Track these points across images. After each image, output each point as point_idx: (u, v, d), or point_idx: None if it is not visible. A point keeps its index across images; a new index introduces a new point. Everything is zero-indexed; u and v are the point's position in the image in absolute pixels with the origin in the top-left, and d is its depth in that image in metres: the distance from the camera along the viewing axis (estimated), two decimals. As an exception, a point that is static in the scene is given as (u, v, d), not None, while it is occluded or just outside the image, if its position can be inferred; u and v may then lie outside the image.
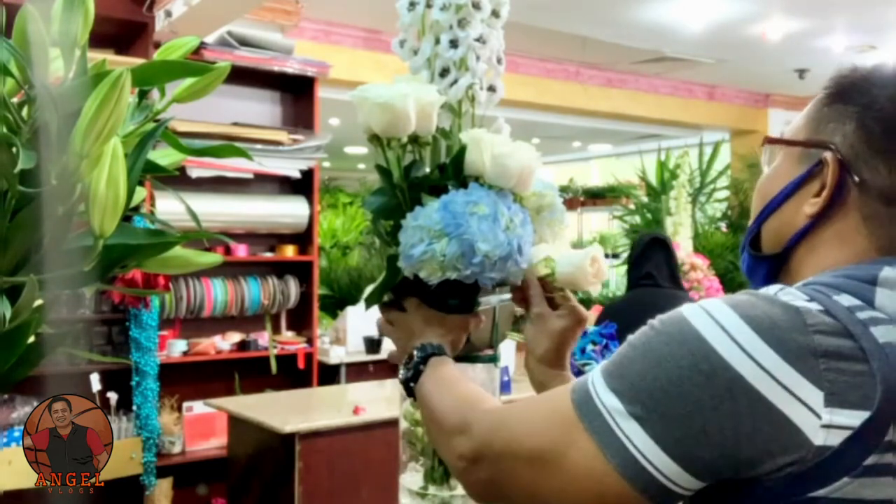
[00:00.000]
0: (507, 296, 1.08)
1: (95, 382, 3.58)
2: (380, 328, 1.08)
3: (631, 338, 0.75)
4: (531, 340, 1.04)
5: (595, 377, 0.75)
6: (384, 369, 5.00)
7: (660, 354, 0.71)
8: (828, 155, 0.80)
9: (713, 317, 0.70)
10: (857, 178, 0.78)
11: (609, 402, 0.72)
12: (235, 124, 4.12)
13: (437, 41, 1.06)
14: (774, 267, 0.86)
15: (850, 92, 0.82)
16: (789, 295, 0.72)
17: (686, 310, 0.73)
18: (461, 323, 1.01)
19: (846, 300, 0.71)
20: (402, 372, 0.98)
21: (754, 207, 0.89)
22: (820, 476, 0.66)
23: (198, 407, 3.93)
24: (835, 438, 0.66)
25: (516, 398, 3.38)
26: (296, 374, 4.38)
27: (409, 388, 0.96)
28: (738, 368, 0.67)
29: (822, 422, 0.66)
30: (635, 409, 0.70)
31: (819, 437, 0.66)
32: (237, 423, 3.36)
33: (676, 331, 0.71)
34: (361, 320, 5.10)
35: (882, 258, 0.77)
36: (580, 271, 1.02)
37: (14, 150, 0.81)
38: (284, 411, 3.28)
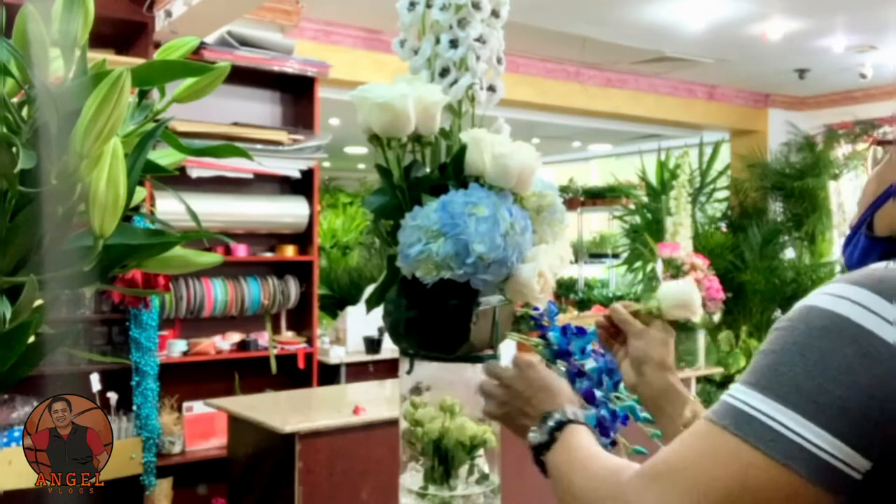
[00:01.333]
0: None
1: (95, 382, 3.58)
2: (480, 387, 1.05)
3: (767, 347, 0.75)
4: (644, 355, 1.07)
5: (742, 395, 0.73)
6: (384, 369, 5.00)
7: (820, 350, 0.71)
8: None
9: (853, 300, 0.72)
10: None
11: (774, 410, 0.71)
12: (235, 124, 4.12)
13: (437, 41, 1.06)
14: (888, 249, 0.89)
15: None
16: None
17: (820, 301, 0.74)
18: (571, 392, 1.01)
19: None
20: (532, 436, 0.96)
21: (866, 197, 0.93)
22: None
23: (198, 407, 3.93)
24: None
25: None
26: (296, 374, 4.38)
27: (540, 456, 0.94)
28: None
29: None
30: (809, 409, 0.70)
31: None
32: (237, 423, 3.36)
33: (829, 323, 0.72)
34: (361, 320, 5.10)
35: None
36: (689, 306, 1.09)
37: (14, 150, 0.81)
38: (284, 411, 3.28)
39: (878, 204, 0.91)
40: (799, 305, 0.76)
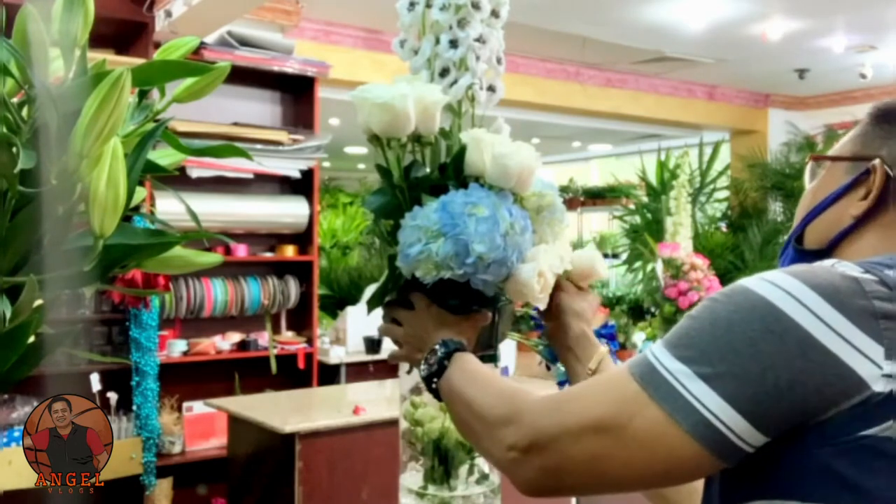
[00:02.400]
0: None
1: (95, 382, 3.58)
2: (381, 329, 1.08)
3: (690, 313, 0.79)
4: (567, 306, 1.13)
5: (655, 350, 0.78)
6: (384, 369, 4.99)
7: (730, 321, 0.75)
8: (876, 163, 0.90)
9: (778, 285, 0.76)
10: None
11: (676, 368, 0.75)
12: (235, 124, 4.12)
13: (437, 41, 1.06)
14: (816, 260, 0.91)
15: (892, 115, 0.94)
16: (845, 266, 0.79)
17: (748, 282, 0.78)
18: (473, 322, 1.03)
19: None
20: (423, 368, 0.98)
21: (801, 210, 0.98)
22: (872, 417, 0.73)
23: (198, 407, 3.93)
24: (891, 385, 0.73)
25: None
26: (296, 374, 4.38)
27: (432, 384, 0.97)
28: (808, 328, 0.73)
29: (884, 372, 0.73)
30: (705, 372, 0.74)
31: (879, 385, 0.73)
32: (237, 423, 3.36)
33: (743, 299, 0.76)
34: (361, 320, 5.10)
35: None
36: (590, 270, 1.15)
37: (14, 150, 0.82)
38: (284, 411, 3.28)
39: (809, 218, 0.96)
40: (734, 283, 0.79)
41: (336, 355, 4.98)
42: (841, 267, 0.79)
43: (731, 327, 0.75)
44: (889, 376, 0.73)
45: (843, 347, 0.73)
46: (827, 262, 0.81)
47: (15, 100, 0.86)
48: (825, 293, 0.74)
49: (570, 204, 8.67)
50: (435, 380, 0.96)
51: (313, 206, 4.40)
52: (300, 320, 4.55)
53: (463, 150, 1.01)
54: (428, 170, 1.04)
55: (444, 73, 1.06)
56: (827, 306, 0.74)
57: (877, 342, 0.73)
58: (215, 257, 1.02)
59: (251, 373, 4.28)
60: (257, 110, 4.42)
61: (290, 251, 4.41)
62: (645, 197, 7.61)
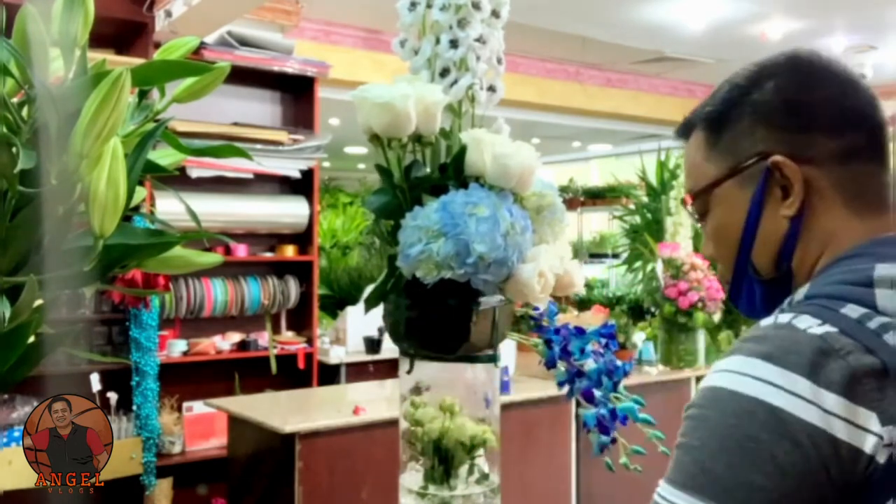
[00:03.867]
0: None
1: (95, 382, 3.58)
2: None
3: (685, 440, 0.73)
4: None
5: (671, 496, 0.71)
6: (384, 369, 5.00)
7: (737, 439, 0.70)
8: (777, 158, 0.83)
9: (755, 377, 0.71)
10: (808, 160, 0.82)
11: (689, 500, 0.70)
12: (235, 124, 4.12)
13: (438, 41, 1.06)
14: (787, 285, 0.86)
15: (734, 109, 0.88)
16: (804, 322, 0.73)
17: (725, 381, 0.72)
18: None
19: (853, 311, 0.73)
20: None
21: (726, 250, 0.89)
22: (878, 493, 0.69)
23: (198, 407, 3.93)
24: (890, 451, 0.69)
25: (515, 399, 3.37)
26: (296, 374, 4.38)
27: None
28: (811, 420, 0.68)
29: (885, 441, 0.69)
30: (723, 496, 0.68)
31: (882, 456, 0.69)
32: (237, 423, 3.36)
33: (737, 408, 0.71)
34: (361, 320, 5.10)
35: (865, 251, 0.80)
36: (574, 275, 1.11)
37: (14, 150, 0.81)
38: (284, 411, 3.28)
39: (746, 247, 0.87)
40: (705, 388, 0.74)
41: (336, 355, 4.98)
42: (801, 323, 0.73)
43: (741, 447, 0.69)
44: (890, 445, 0.69)
45: (850, 431, 0.69)
46: (783, 318, 0.75)
47: (15, 100, 0.86)
48: (809, 372, 0.70)
49: (570, 204, 8.66)
50: None
51: (313, 206, 4.40)
52: (300, 320, 4.55)
53: (463, 150, 1.01)
54: (428, 170, 1.04)
55: (445, 73, 1.06)
56: (818, 389, 0.69)
57: (869, 409, 0.69)
58: (215, 257, 1.03)
59: (251, 373, 4.28)
60: (257, 110, 4.42)
61: (290, 251, 4.41)
62: (645, 197, 7.59)
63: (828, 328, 0.72)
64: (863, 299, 0.74)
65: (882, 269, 0.76)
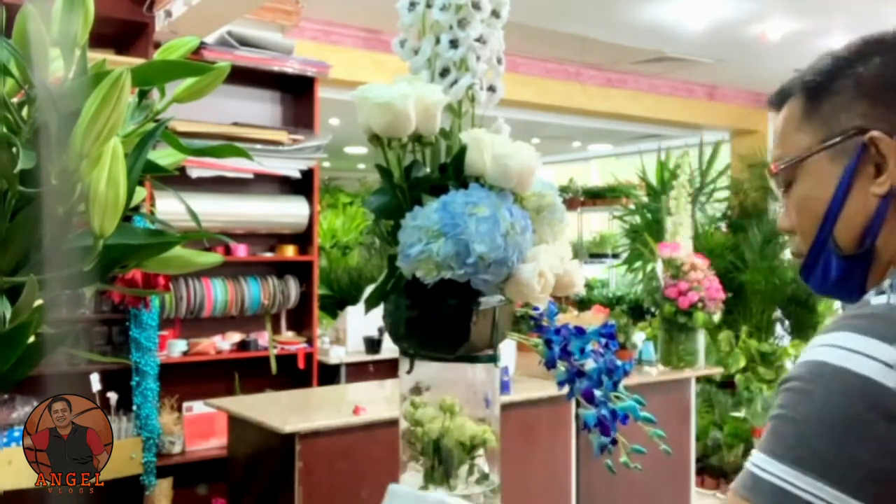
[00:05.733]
0: None
1: (95, 382, 3.58)
2: None
3: (785, 412, 0.73)
4: None
5: (770, 467, 0.71)
6: (384, 369, 5.00)
7: (843, 416, 0.69)
8: (875, 134, 0.82)
9: (866, 354, 0.70)
10: None
11: (806, 485, 0.69)
12: (235, 124, 4.12)
13: (438, 41, 1.06)
14: (866, 263, 0.86)
15: (836, 81, 0.85)
16: None
17: (832, 356, 0.72)
18: None
19: None
20: None
21: (808, 223, 0.89)
22: None
23: (198, 407, 3.93)
24: None
25: (515, 399, 3.37)
26: (296, 374, 4.38)
27: None
28: None
29: None
30: (844, 483, 0.68)
31: None
32: (237, 423, 3.36)
33: (845, 385, 0.70)
34: (361, 320, 5.10)
35: None
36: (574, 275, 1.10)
37: (14, 150, 0.82)
38: (284, 411, 3.28)
39: (829, 222, 0.86)
40: (808, 362, 0.73)
41: (336, 355, 4.98)
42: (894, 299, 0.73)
43: (847, 424, 0.69)
44: None
45: None
46: (880, 302, 0.75)
47: (15, 100, 0.86)
48: None
49: (570, 204, 8.67)
50: None
51: (313, 206, 4.40)
52: (300, 320, 4.55)
53: (463, 150, 1.01)
54: (428, 170, 1.04)
55: (445, 73, 1.06)
56: None
57: None
58: (215, 257, 1.03)
59: (251, 373, 4.28)
60: (257, 110, 4.42)
61: (290, 251, 4.41)
62: (645, 197, 7.60)
63: None
64: None
65: None
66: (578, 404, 1.17)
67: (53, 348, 0.95)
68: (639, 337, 4.46)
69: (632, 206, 7.88)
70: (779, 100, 0.92)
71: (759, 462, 0.72)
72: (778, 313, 6.97)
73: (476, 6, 1.05)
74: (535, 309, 1.15)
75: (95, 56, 0.98)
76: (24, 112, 0.85)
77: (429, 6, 1.07)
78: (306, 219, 4.38)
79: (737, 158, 7.62)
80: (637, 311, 6.93)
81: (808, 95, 0.88)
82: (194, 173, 3.88)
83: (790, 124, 0.89)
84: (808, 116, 0.87)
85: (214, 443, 4.04)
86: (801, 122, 0.88)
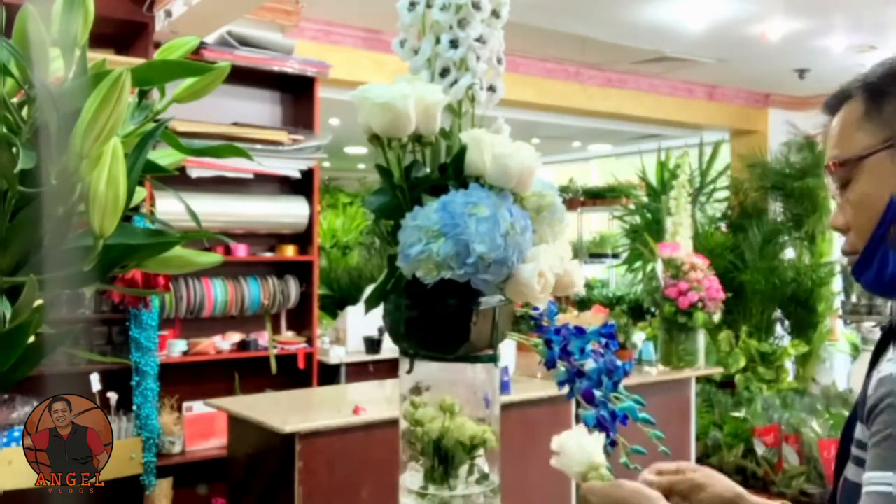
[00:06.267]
0: None
1: (95, 382, 3.58)
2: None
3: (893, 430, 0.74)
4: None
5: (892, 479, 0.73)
6: (384, 369, 5.00)
7: None
8: None
9: None
10: None
11: None
12: (235, 124, 4.12)
13: (438, 41, 1.06)
14: None
15: None
16: None
17: None
18: None
19: None
20: None
21: (866, 220, 0.90)
22: None
23: (198, 407, 3.93)
24: None
25: (515, 399, 3.37)
26: (296, 374, 4.38)
27: None
28: None
29: None
30: None
31: None
32: (237, 423, 3.36)
33: None
34: (361, 320, 5.10)
35: None
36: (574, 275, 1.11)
37: (14, 150, 0.81)
38: (284, 411, 3.28)
39: (891, 219, 0.88)
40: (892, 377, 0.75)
41: (336, 355, 4.98)
42: None
43: None
44: None
45: None
46: None
47: (15, 100, 0.86)
48: None
49: (570, 204, 8.67)
50: None
51: (313, 206, 4.40)
52: (300, 320, 4.55)
53: (463, 150, 1.01)
54: (428, 170, 1.04)
55: (445, 73, 1.06)
56: None
57: None
58: (215, 257, 1.02)
59: (251, 373, 4.28)
60: (257, 110, 4.42)
61: (290, 251, 4.41)
62: (645, 197, 7.60)
63: None
64: None
65: None
66: (578, 404, 1.17)
67: (53, 348, 0.95)
68: (639, 337, 4.46)
69: (632, 206, 7.88)
70: (836, 102, 0.96)
71: (889, 480, 0.74)
72: (778, 313, 6.97)
73: (476, 6, 1.05)
74: (535, 309, 1.15)
75: (95, 56, 0.98)
76: (24, 112, 0.85)
77: (429, 6, 1.06)
78: (306, 219, 4.39)
79: (737, 158, 7.62)
80: (637, 311, 6.92)
81: (870, 96, 0.91)
82: (194, 173, 3.88)
83: (850, 124, 0.92)
84: (870, 117, 0.90)
85: (214, 443, 4.04)
86: (862, 122, 0.91)
